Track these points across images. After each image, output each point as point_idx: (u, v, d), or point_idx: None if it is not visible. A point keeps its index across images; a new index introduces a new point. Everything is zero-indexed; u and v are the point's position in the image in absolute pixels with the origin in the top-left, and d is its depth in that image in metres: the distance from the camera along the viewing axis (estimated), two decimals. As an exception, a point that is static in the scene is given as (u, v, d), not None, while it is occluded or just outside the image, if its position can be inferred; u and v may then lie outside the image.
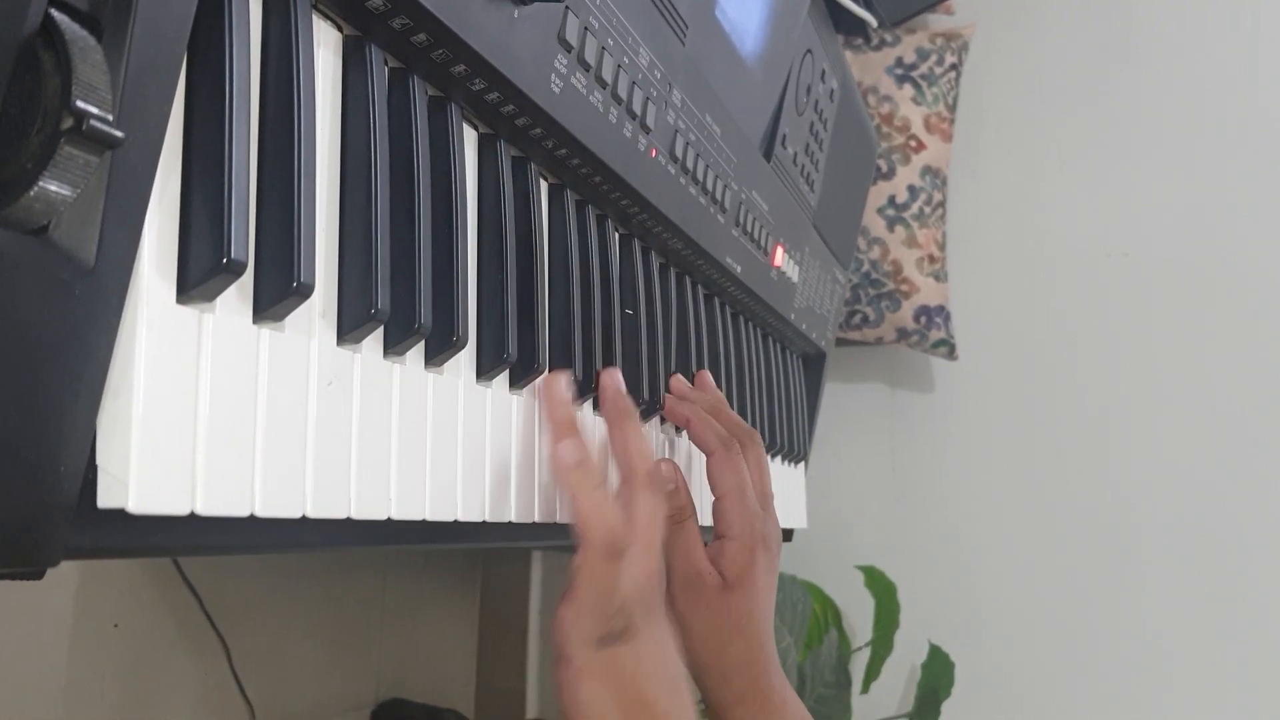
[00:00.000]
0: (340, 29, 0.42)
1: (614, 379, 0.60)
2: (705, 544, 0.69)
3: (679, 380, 0.72)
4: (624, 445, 0.57)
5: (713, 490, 0.70)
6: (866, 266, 1.49)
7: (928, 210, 1.49)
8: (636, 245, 0.68)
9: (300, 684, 1.41)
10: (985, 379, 1.58)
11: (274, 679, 1.35)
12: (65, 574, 1.09)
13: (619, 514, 0.52)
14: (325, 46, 0.41)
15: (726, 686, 0.67)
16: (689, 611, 0.67)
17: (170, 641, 1.21)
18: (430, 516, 0.45)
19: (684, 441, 0.75)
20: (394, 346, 0.43)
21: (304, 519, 0.38)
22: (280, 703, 1.36)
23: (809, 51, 0.87)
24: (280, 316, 0.37)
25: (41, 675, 1.07)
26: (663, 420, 0.72)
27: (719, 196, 0.73)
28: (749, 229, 0.80)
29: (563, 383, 0.55)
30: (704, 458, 0.70)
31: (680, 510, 0.68)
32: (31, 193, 0.26)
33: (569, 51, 0.51)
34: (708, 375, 0.76)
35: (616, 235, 0.67)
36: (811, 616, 1.42)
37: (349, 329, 0.40)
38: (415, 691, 1.60)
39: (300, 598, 1.40)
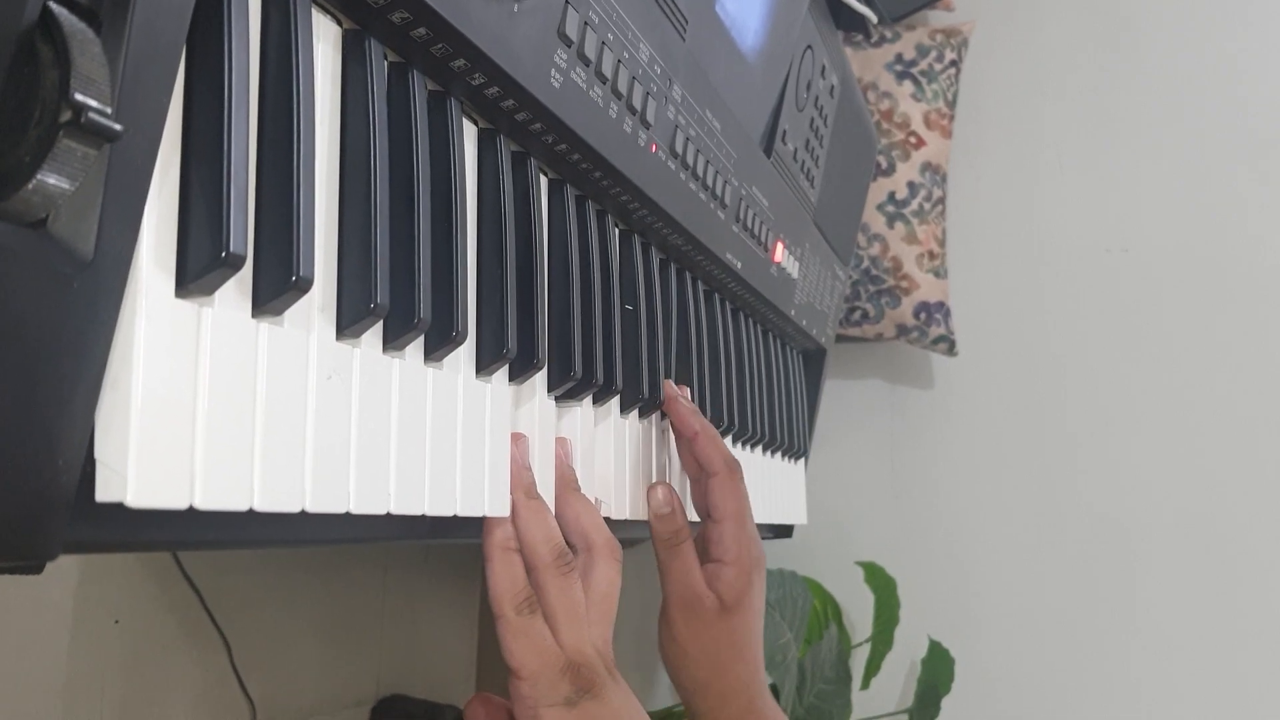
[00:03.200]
0: (340, 23, 0.42)
1: (563, 448, 0.59)
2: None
3: (684, 391, 0.72)
4: (575, 518, 0.57)
5: (712, 512, 0.70)
6: (866, 263, 1.49)
7: (927, 207, 1.49)
8: (636, 241, 0.68)
9: (301, 680, 1.41)
10: (985, 375, 1.58)
11: (274, 675, 1.35)
12: (65, 569, 1.09)
13: (521, 569, 0.53)
14: (325, 40, 0.41)
15: (725, 709, 0.68)
16: (688, 635, 0.68)
17: (170, 637, 1.21)
18: (430, 511, 0.45)
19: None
20: (393, 341, 0.43)
21: (303, 513, 0.37)
22: (281, 699, 1.36)
23: (809, 47, 0.87)
24: (279, 310, 0.37)
25: (41, 671, 1.07)
26: (662, 415, 0.72)
27: (719, 192, 0.73)
28: (749, 225, 0.80)
29: (527, 447, 0.55)
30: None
31: (676, 534, 0.68)
32: (30, 186, 0.26)
33: (569, 46, 0.51)
34: (685, 391, 0.76)
35: (616, 231, 0.67)
36: (811, 612, 1.42)
37: (348, 323, 0.40)
38: (416, 687, 1.60)
39: (300, 593, 1.40)
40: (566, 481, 0.58)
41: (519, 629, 0.51)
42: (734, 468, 0.69)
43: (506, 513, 0.52)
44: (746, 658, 0.68)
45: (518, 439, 0.54)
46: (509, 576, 0.52)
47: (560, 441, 0.59)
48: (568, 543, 0.56)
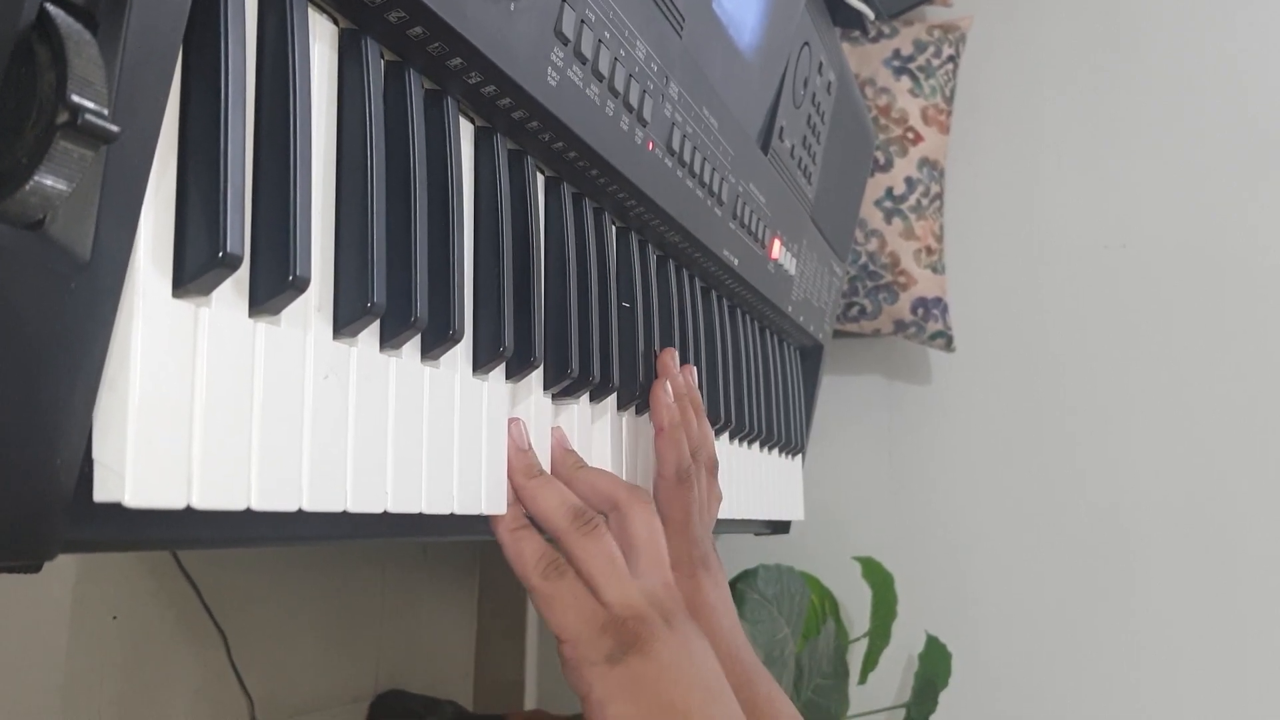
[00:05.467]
0: (336, 22, 0.42)
1: (557, 435, 0.59)
2: None
3: (670, 361, 0.70)
4: (591, 486, 0.57)
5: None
6: (864, 259, 1.49)
7: (925, 202, 1.49)
8: (634, 238, 0.69)
9: (299, 675, 1.41)
10: (983, 371, 1.58)
11: (273, 671, 1.35)
12: (63, 566, 1.09)
13: (539, 540, 0.52)
14: (321, 40, 0.41)
15: None
16: None
17: (169, 633, 1.21)
18: (427, 509, 0.45)
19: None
20: (390, 340, 0.43)
21: (300, 512, 0.38)
22: (279, 694, 1.36)
23: (806, 44, 0.87)
24: (276, 310, 0.37)
25: (40, 668, 1.07)
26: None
27: (716, 189, 0.73)
28: (746, 222, 0.80)
29: (524, 430, 0.54)
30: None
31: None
32: (27, 187, 0.26)
33: (566, 44, 0.51)
34: (692, 373, 0.74)
35: (613, 229, 0.67)
36: (809, 607, 1.42)
37: (345, 322, 0.40)
38: (414, 683, 1.60)
39: (299, 589, 1.40)
40: (569, 463, 0.58)
41: (548, 595, 0.51)
42: (684, 479, 0.67)
43: (504, 510, 0.52)
44: (724, 655, 0.67)
45: (514, 423, 0.54)
46: (526, 550, 0.51)
47: (555, 430, 0.59)
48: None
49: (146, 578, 1.19)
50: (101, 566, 1.13)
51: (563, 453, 0.58)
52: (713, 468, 0.73)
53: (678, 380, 0.70)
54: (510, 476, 0.53)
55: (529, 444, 0.55)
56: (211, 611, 1.25)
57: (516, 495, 0.53)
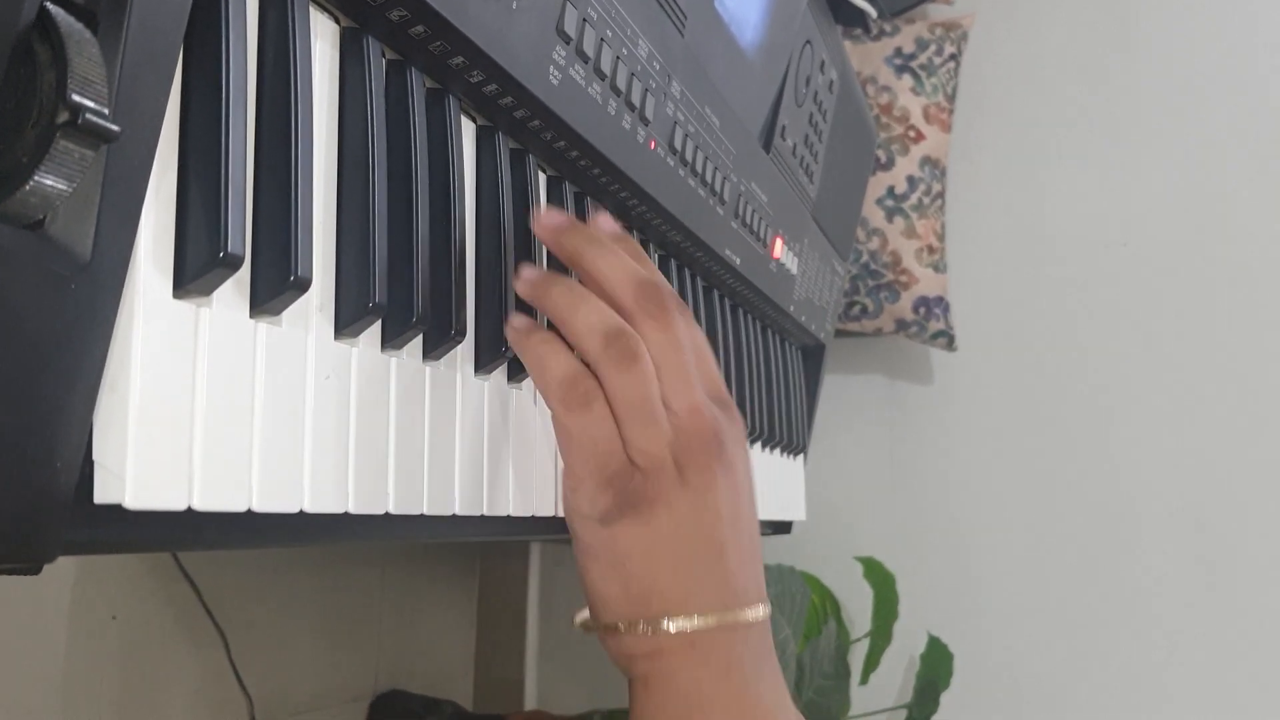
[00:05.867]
0: (338, 21, 0.42)
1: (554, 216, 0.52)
2: None
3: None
4: (594, 266, 0.49)
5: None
6: (865, 257, 1.49)
7: (927, 201, 1.49)
8: (635, 238, 0.68)
9: (299, 675, 1.41)
10: (984, 370, 1.58)
11: (273, 670, 1.35)
12: (63, 566, 1.09)
13: (567, 355, 0.46)
14: (322, 38, 0.41)
15: None
16: None
17: (168, 633, 1.21)
18: (429, 511, 0.45)
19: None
20: (392, 340, 0.43)
21: (302, 513, 0.37)
22: (279, 694, 1.36)
23: (808, 42, 0.87)
24: (277, 310, 0.37)
25: (40, 667, 1.07)
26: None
27: (718, 188, 0.73)
28: (748, 221, 0.80)
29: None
30: None
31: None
32: (27, 187, 0.26)
33: (568, 43, 0.51)
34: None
35: (615, 227, 0.67)
36: (810, 608, 1.42)
37: (347, 323, 0.40)
38: (414, 683, 1.60)
39: (299, 589, 1.40)
40: (578, 232, 0.51)
41: (569, 428, 0.46)
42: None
43: (506, 512, 0.51)
44: None
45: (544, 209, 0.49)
46: (551, 365, 0.46)
47: (601, 215, 0.55)
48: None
49: (146, 578, 1.19)
50: (101, 566, 1.13)
51: (565, 222, 0.52)
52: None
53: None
54: (529, 293, 0.47)
55: (566, 218, 0.49)
56: (211, 611, 1.25)
57: (540, 304, 0.47)
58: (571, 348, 0.48)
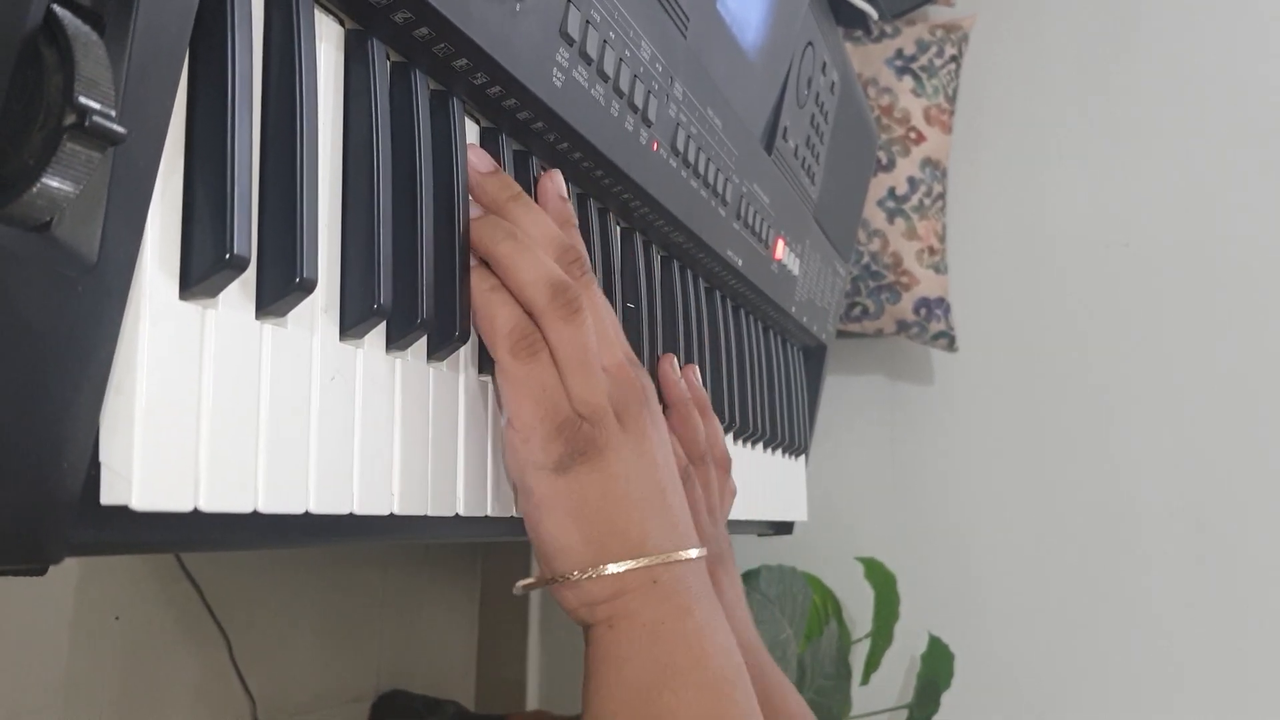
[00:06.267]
0: (342, 23, 0.42)
1: (551, 180, 0.54)
2: None
3: (670, 369, 0.68)
4: (529, 223, 0.50)
5: None
6: (866, 259, 1.49)
7: (927, 202, 1.49)
8: (638, 239, 0.68)
9: (301, 675, 1.41)
10: (985, 371, 1.58)
11: (275, 671, 1.35)
12: (66, 567, 1.09)
13: (514, 307, 0.47)
14: (327, 41, 0.41)
15: None
16: None
17: (171, 633, 1.21)
18: (432, 512, 0.45)
19: None
20: (396, 341, 0.43)
21: (307, 514, 0.37)
22: (281, 694, 1.36)
23: (810, 44, 0.87)
24: (283, 312, 0.37)
25: (42, 667, 1.07)
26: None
27: (720, 190, 0.73)
28: (750, 222, 0.80)
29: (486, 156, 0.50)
30: None
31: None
32: (34, 189, 0.26)
33: (571, 45, 0.51)
34: (695, 371, 0.73)
35: (618, 229, 0.67)
36: (811, 608, 1.42)
37: (351, 324, 0.40)
38: (416, 683, 1.60)
39: (301, 589, 1.40)
40: (564, 217, 0.53)
41: (515, 377, 0.47)
42: (688, 473, 0.66)
43: (510, 513, 0.51)
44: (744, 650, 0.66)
45: (473, 149, 0.49)
46: (499, 316, 0.47)
47: (550, 175, 0.55)
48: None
49: (148, 578, 1.19)
50: (104, 566, 1.13)
51: (559, 201, 0.54)
52: (725, 464, 0.72)
53: (678, 388, 0.69)
54: (473, 236, 0.48)
55: (492, 167, 0.49)
56: (213, 611, 1.25)
57: (487, 253, 0.48)
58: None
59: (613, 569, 0.47)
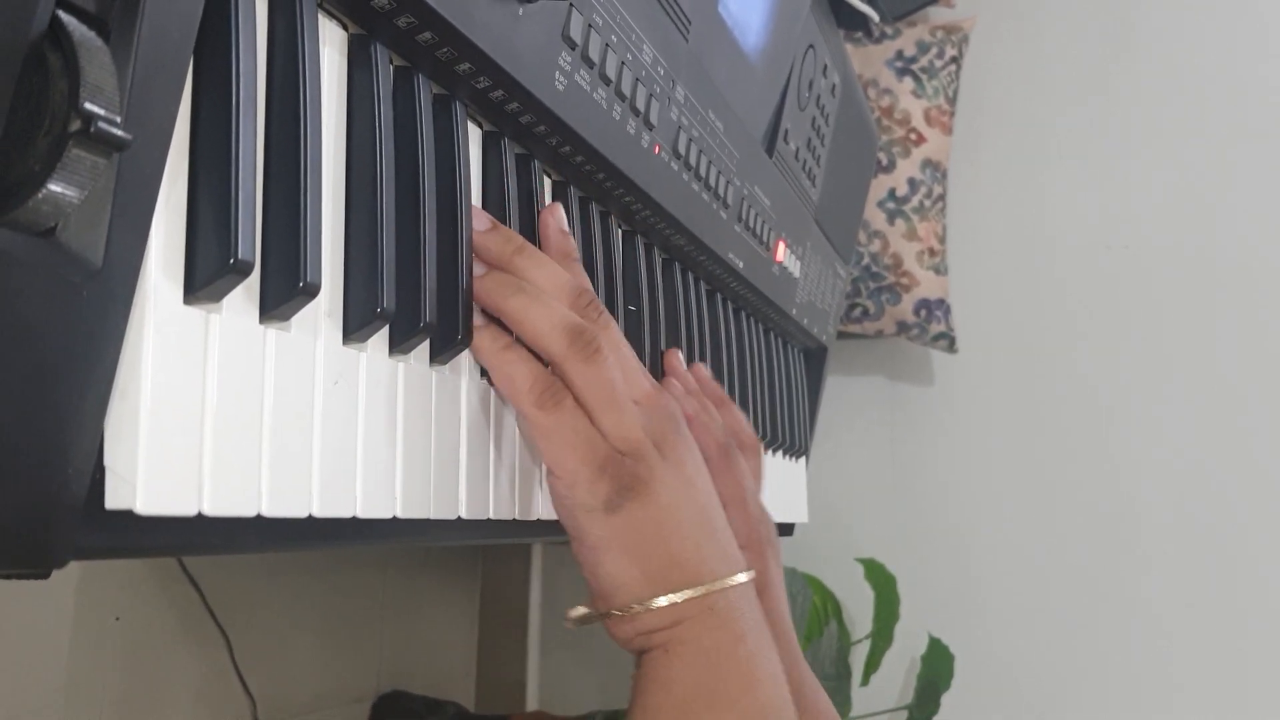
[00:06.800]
0: (346, 28, 0.42)
1: (552, 215, 0.54)
2: None
3: (676, 362, 0.69)
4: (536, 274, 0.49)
5: None
6: (867, 260, 1.49)
7: (928, 203, 1.49)
8: (639, 241, 0.68)
9: (301, 676, 1.41)
10: (985, 372, 1.58)
11: (275, 671, 1.35)
12: (67, 568, 1.09)
13: (530, 362, 0.48)
14: (331, 45, 0.41)
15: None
16: None
17: (171, 634, 1.21)
18: (434, 515, 0.45)
19: None
20: (399, 345, 0.43)
21: (310, 518, 0.38)
22: (281, 695, 1.36)
23: (811, 46, 0.87)
24: (287, 316, 0.37)
25: (43, 668, 1.07)
26: None
27: (722, 192, 0.73)
28: (751, 224, 0.80)
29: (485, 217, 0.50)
30: None
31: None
32: (39, 195, 0.26)
33: (573, 49, 0.51)
34: (704, 369, 0.73)
35: (619, 232, 0.67)
36: (811, 609, 1.42)
37: (355, 328, 0.40)
38: (416, 683, 1.60)
39: (301, 591, 1.40)
40: (565, 252, 0.53)
41: (546, 428, 0.47)
42: (727, 451, 0.66)
43: (511, 515, 0.52)
44: (784, 637, 0.65)
45: (478, 214, 0.48)
46: (518, 375, 0.47)
47: (551, 209, 0.54)
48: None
49: (149, 579, 1.19)
50: (104, 568, 1.13)
51: (557, 235, 0.53)
52: (754, 447, 0.72)
53: (686, 379, 0.70)
54: (479, 294, 0.47)
55: (489, 224, 0.49)
56: (214, 612, 1.25)
57: (498, 310, 0.47)
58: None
59: (671, 599, 0.48)
